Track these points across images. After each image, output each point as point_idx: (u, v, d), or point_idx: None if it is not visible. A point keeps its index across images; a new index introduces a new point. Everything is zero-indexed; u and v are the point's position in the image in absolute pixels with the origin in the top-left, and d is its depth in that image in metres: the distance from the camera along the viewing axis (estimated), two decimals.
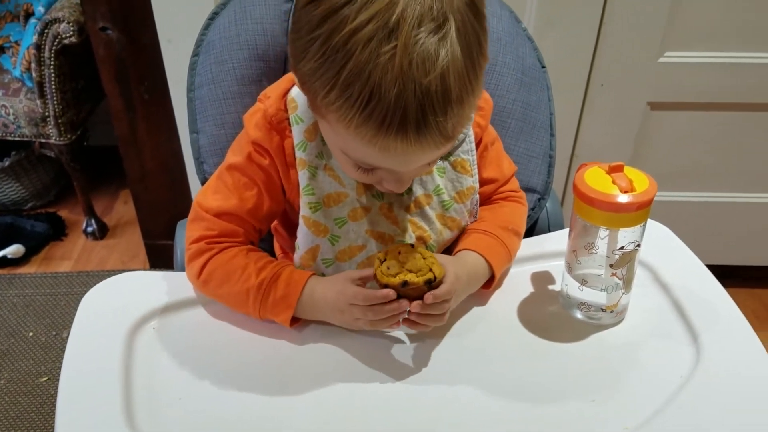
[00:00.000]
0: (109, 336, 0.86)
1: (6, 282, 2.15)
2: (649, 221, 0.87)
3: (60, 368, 0.82)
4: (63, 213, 2.47)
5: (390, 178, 0.80)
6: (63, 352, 0.84)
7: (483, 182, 0.99)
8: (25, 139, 2.20)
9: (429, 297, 0.79)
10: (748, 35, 1.63)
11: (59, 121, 2.13)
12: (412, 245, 0.82)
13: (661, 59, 1.66)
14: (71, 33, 2.00)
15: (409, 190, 0.92)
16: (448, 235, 0.96)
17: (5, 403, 1.76)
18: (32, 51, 2.02)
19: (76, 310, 0.90)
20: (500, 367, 0.85)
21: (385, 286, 0.79)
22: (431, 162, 0.82)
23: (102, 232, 2.39)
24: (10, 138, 2.19)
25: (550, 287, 0.97)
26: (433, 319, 0.83)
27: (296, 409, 0.79)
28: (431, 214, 0.94)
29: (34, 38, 2.01)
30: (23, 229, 2.34)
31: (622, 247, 0.84)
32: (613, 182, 0.82)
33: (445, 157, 0.94)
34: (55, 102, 2.09)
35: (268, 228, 0.97)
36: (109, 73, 1.84)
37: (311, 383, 0.82)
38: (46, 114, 2.11)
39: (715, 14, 1.60)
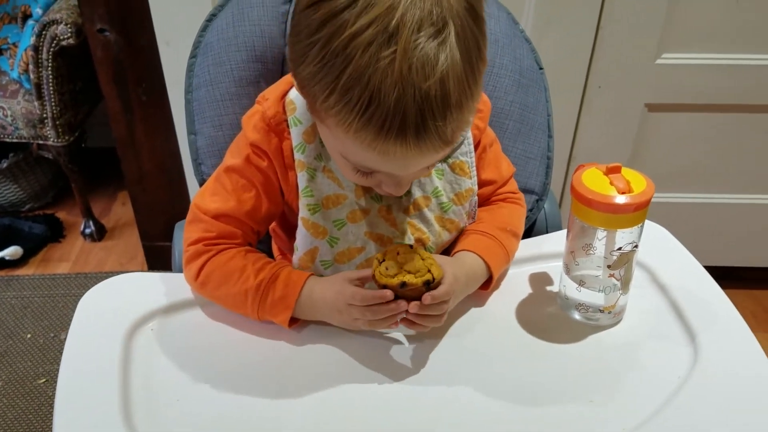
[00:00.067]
0: (108, 337, 0.86)
1: (4, 283, 2.14)
2: (647, 222, 0.87)
3: (58, 370, 0.82)
4: (61, 214, 2.47)
5: (389, 182, 0.80)
6: (61, 353, 0.84)
7: (481, 184, 0.99)
8: (23, 140, 2.19)
9: (427, 298, 0.79)
10: (746, 37, 1.64)
11: (57, 122, 2.13)
12: (411, 246, 0.82)
13: (659, 61, 1.66)
14: (69, 35, 2.00)
15: (408, 193, 0.92)
16: (446, 236, 0.96)
17: (3, 405, 1.76)
18: (30, 52, 2.02)
19: (74, 311, 0.90)
20: (499, 368, 0.85)
21: (384, 286, 0.80)
22: (430, 165, 0.83)
23: (100, 233, 2.39)
24: (7, 140, 2.19)
25: (548, 288, 0.97)
26: (431, 320, 0.83)
27: (295, 410, 0.79)
28: (430, 216, 0.94)
29: (32, 40, 2.01)
30: (21, 230, 2.33)
31: (619, 248, 0.84)
32: (611, 183, 0.82)
33: (443, 159, 0.94)
34: (53, 103, 2.09)
35: (266, 230, 0.97)
36: (107, 74, 1.84)
37: (310, 384, 0.82)
38: (44, 115, 2.11)
39: (713, 16, 1.61)
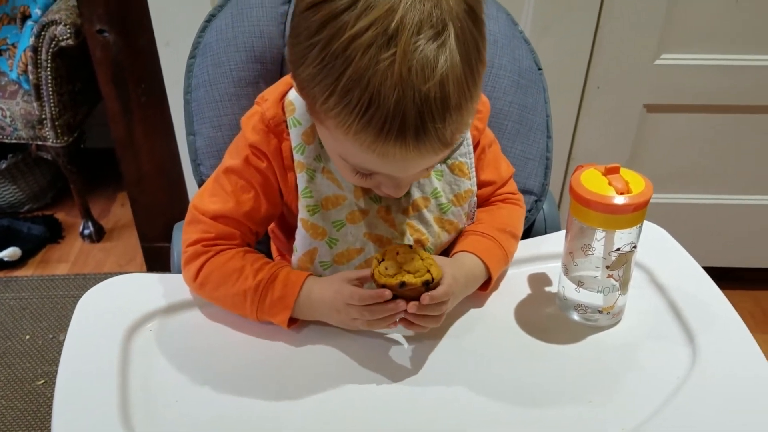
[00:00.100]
0: (106, 338, 0.86)
1: (2, 285, 2.14)
2: (645, 223, 0.87)
3: (57, 371, 0.82)
4: (60, 216, 2.47)
5: (388, 183, 0.80)
6: (60, 355, 0.84)
7: (481, 184, 0.99)
8: (22, 141, 2.19)
9: (426, 298, 0.79)
10: (745, 37, 1.64)
11: (56, 123, 2.13)
12: (411, 246, 0.82)
13: (658, 61, 1.66)
14: (68, 35, 2.00)
15: (407, 194, 0.92)
16: (445, 237, 0.96)
17: (2, 407, 1.76)
18: (29, 53, 2.02)
19: (73, 312, 0.90)
20: (498, 369, 0.85)
21: (383, 286, 0.79)
22: (429, 167, 0.83)
23: (99, 234, 2.38)
24: (6, 140, 2.19)
25: (547, 289, 0.97)
26: (430, 320, 0.83)
27: (294, 411, 0.79)
28: (429, 217, 0.94)
29: (31, 41, 2.01)
30: (20, 231, 2.33)
31: (618, 249, 0.84)
32: (610, 184, 0.82)
33: (443, 161, 0.94)
34: (52, 104, 2.09)
35: (264, 231, 0.97)
36: (106, 75, 1.84)
37: (309, 385, 0.82)
38: (43, 116, 2.11)
39: (712, 16, 1.61)
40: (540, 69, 1.15)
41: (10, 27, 2.27)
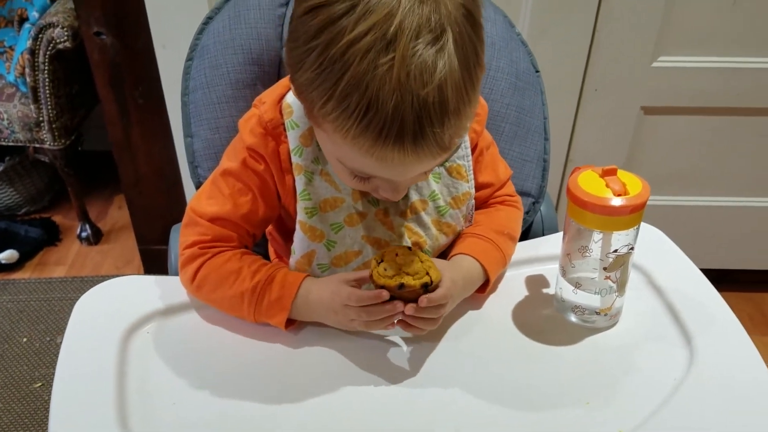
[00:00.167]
0: (103, 340, 0.86)
1: (0, 287, 2.14)
2: (643, 224, 0.87)
3: (54, 374, 0.82)
4: (57, 218, 2.47)
5: (386, 187, 0.80)
6: (57, 357, 0.84)
7: (479, 186, 0.99)
8: (19, 144, 2.19)
9: (424, 300, 0.79)
10: (742, 40, 1.64)
11: (53, 126, 2.13)
12: (410, 248, 0.82)
13: (655, 64, 1.67)
14: (65, 38, 2.00)
15: (405, 196, 0.92)
16: (443, 240, 0.96)
17: None
18: (26, 56, 2.02)
19: (70, 315, 0.90)
20: (495, 370, 0.85)
21: (382, 287, 0.79)
22: (428, 171, 0.83)
23: (96, 237, 2.38)
24: (4, 143, 2.19)
25: (545, 290, 0.97)
26: (427, 323, 0.83)
27: (292, 413, 0.79)
28: (427, 219, 0.94)
29: (29, 43, 2.01)
30: (17, 234, 2.33)
31: (615, 251, 0.84)
32: (607, 186, 0.83)
33: (441, 163, 0.94)
34: (50, 107, 2.09)
35: (262, 233, 0.97)
36: (103, 77, 1.84)
37: (307, 386, 0.82)
38: (41, 119, 2.11)
39: (709, 19, 1.61)
40: (537, 71, 1.15)
41: (7, 30, 2.27)
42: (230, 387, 0.82)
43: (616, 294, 0.88)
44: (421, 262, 0.80)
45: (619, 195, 0.81)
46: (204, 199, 0.92)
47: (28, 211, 2.47)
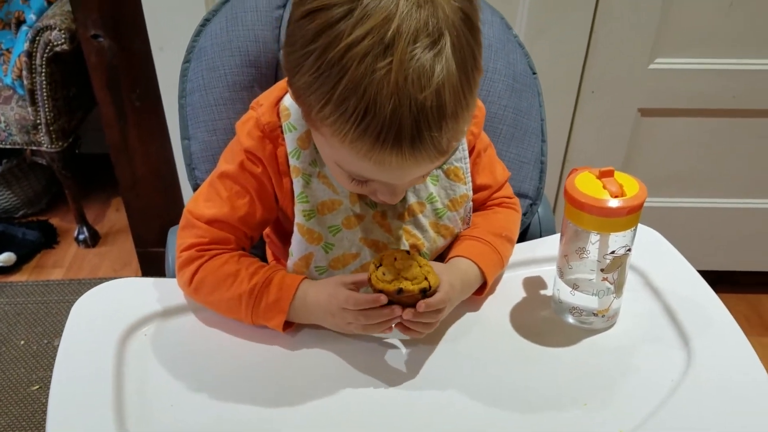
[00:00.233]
0: (101, 343, 0.86)
1: None
2: (640, 226, 0.87)
3: (52, 376, 0.82)
4: (54, 221, 2.47)
5: (384, 190, 0.80)
6: (55, 360, 0.84)
7: (476, 189, 0.99)
8: (17, 146, 2.19)
9: (422, 305, 0.79)
10: (739, 42, 1.64)
11: (51, 128, 2.12)
12: (408, 252, 0.82)
13: (652, 66, 1.67)
14: (63, 40, 2.00)
15: (403, 199, 0.92)
16: (441, 242, 0.96)
17: None
18: (24, 58, 2.02)
19: (67, 318, 0.90)
20: (493, 372, 0.85)
21: (380, 291, 0.79)
22: (425, 174, 0.83)
23: (94, 239, 2.38)
24: (1, 146, 2.18)
25: (542, 292, 0.97)
26: (425, 327, 0.83)
27: (290, 415, 0.79)
28: (424, 222, 0.94)
29: (26, 46, 2.00)
30: (14, 236, 2.33)
31: (613, 252, 0.84)
32: (604, 187, 0.83)
33: (438, 166, 0.94)
34: (47, 109, 2.09)
35: (259, 235, 0.97)
36: (100, 80, 1.83)
37: (305, 389, 0.82)
38: (38, 121, 2.11)
39: (706, 21, 1.61)
40: (534, 73, 1.15)
41: (4, 32, 2.27)
42: (228, 389, 0.82)
43: (614, 295, 0.89)
44: (420, 266, 0.80)
45: (616, 196, 0.81)
46: (201, 202, 0.92)
47: (26, 214, 2.47)
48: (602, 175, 0.84)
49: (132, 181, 2.01)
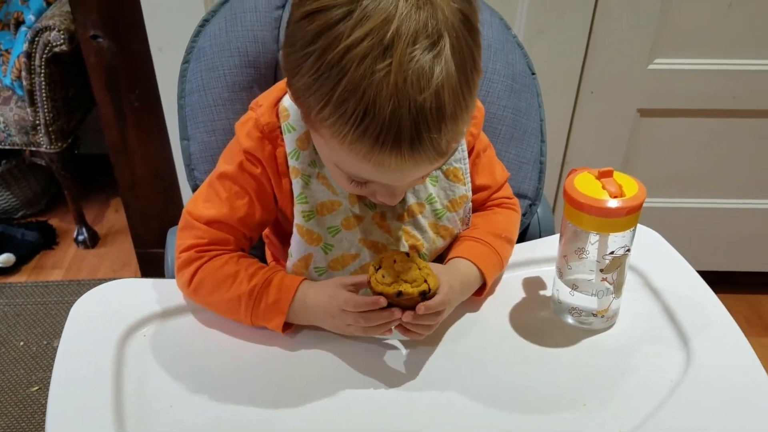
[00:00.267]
0: (100, 343, 0.86)
1: None
2: (639, 226, 0.87)
3: (51, 377, 0.82)
4: (54, 221, 2.47)
5: (383, 191, 0.80)
6: (54, 361, 0.84)
7: (476, 189, 0.99)
8: (16, 147, 2.19)
9: (421, 308, 0.79)
10: (738, 42, 1.65)
11: (50, 129, 2.12)
12: (407, 254, 0.82)
13: (651, 66, 1.67)
14: (62, 41, 2.00)
15: (402, 200, 0.92)
16: (440, 243, 0.96)
17: None
18: (23, 59, 2.02)
19: (67, 319, 0.90)
20: (493, 373, 0.85)
21: (380, 294, 0.79)
22: (424, 175, 0.83)
23: (93, 240, 2.38)
24: (0, 146, 2.18)
25: (542, 292, 0.97)
26: (425, 328, 0.83)
27: (289, 416, 0.79)
28: (424, 222, 0.94)
29: (25, 46, 2.00)
30: (14, 237, 2.32)
31: (612, 252, 0.84)
32: (603, 187, 0.83)
33: (438, 167, 0.94)
34: (46, 110, 2.09)
35: (258, 236, 0.97)
36: (99, 81, 1.83)
37: (304, 390, 0.82)
38: (37, 122, 2.11)
39: (705, 21, 1.61)
40: (533, 73, 1.15)
41: (3, 33, 2.27)
42: (227, 390, 0.82)
43: (613, 296, 0.89)
44: (419, 269, 0.80)
45: (615, 197, 0.81)
46: (200, 203, 0.92)
47: (25, 215, 2.47)
48: (601, 176, 0.84)
49: (131, 182, 2.01)
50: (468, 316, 0.93)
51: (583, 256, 0.87)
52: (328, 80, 0.69)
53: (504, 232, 0.98)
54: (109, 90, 1.84)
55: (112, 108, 1.87)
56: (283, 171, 0.89)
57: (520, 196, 1.11)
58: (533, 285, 0.98)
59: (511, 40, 1.14)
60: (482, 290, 0.94)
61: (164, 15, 1.60)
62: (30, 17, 2.11)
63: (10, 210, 2.43)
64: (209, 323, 0.90)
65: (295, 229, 0.90)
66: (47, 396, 0.80)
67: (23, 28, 2.12)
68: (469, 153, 0.97)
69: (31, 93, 2.06)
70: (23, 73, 2.03)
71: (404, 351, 0.87)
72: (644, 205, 0.82)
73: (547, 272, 0.98)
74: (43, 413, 0.79)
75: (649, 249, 1.01)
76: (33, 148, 2.19)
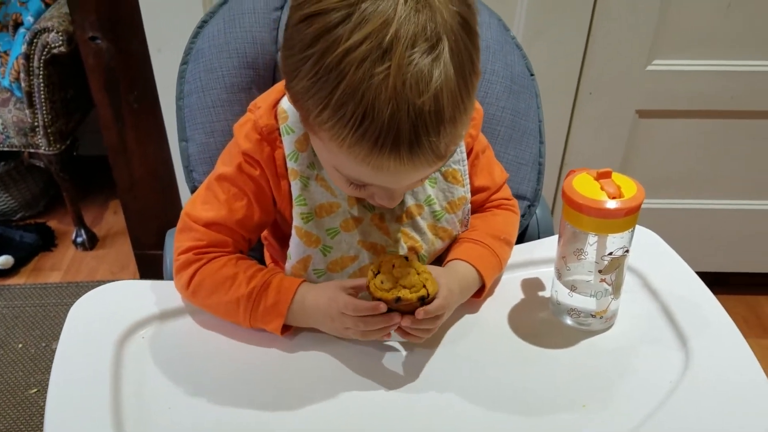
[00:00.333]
0: (98, 345, 0.86)
1: None
2: (638, 227, 0.87)
3: (49, 379, 0.81)
4: (52, 223, 2.46)
5: (382, 194, 0.80)
6: (52, 363, 0.84)
7: (475, 190, 0.99)
8: (14, 149, 2.19)
9: (420, 312, 0.79)
10: (736, 43, 1.65)
11: (48, 131, 2.12)
12: (406, 257, 0.82)
13: (650, 67, 1.67)
14: (60, 42, 1.99)
15: (401, 201, 0.92)
16: (439, 245, 0.96)
17: None
18: (21, 61, 2.02)
19: (65, 321, 0.89)
20: (492, 374, 0.85)
21: (378, 299, 0.79)
22: (423, 178, 0.83)
23: (92, 242, 2.38)
24: None
25: (540, 293, 0.97)
26: (424, 332, 0.83)
27: (288, 419, 0.79)
28: (423, 224, 0.94)
29: (23, 48, 2.00)
30: (12, 239, 2.32)
31: (610, 253, 0.84)
32: (602, 188, 0.83)
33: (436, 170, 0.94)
34: (44, 112, 2.09)
35: (257, 238, 0.97)
36: (98, 82, 1.83)
37: (303, 392, 0.82)
38: (35, 124, 2.11)
39: (703, 22, 1.61)
40: (532, 74, 1.15)
41: (2, 34, 2.27)
42: (226, 392, 0.82)
43: (612, 297, 0.89)
44: (418, 273, 0.80)
45: (613, 198, 0.81)
46: (199, 204, 0.91)
47: (23, 217, 2.47)
48: (600, 177, 0.84)
49: (130, 184, 2.01)
50: (467, 318, 0.93)
51: (582, 257, 0.87)
52: (327, 83, 0.68)
53: (503, 234, 0.98)
54: (108, 91, 1.84)
55: (111, 109, 1.87)
56: (282, 173, 0.89)
57: (518, 197, 1.11)
58: (532, 286, 0.98)
59: (510, 41, 1.14)
60: (481, 292, 0.94)
61: (163, 16, 1.60)
62: (28, 19, 2.11)
63: (8, 212, 2.43)
64: (208, 325, 0.90)
65: (293, 231, 0.90)
66: (46, 398, 0.80)
67: (22, 30, 2.12)
68: (468, 154, 0.97)
69: (29, 94, 2.06)
70: (22, 75, 2.03)
71: (403, 353, 0.87)
72: (643, 206, 0.82)
73: (546, 273, 0.98)
74: (42, 415, 0.79)
75: (647, 250, 1.01)
76: (31, 150, 2.18)
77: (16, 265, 2.25)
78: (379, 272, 0.80)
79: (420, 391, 0.83)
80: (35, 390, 1.82)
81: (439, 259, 0.96)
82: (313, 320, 0.87)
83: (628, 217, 0.82)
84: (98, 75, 1.82)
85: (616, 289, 0.88)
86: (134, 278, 2.20)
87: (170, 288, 0.93)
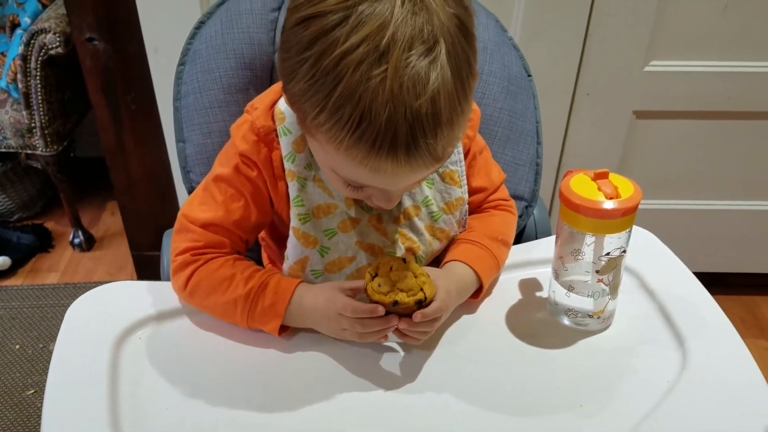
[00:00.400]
0: (96, 346, 0.85)
1: None
2: (635, 228, 0.87)
3: (46, 381, 0.81)
4: (50, 224, 2.46)
5: (380, 196, 0.80)
6: (50, 364, 0.83)
7: (472, 191, 0.99)
8: (11, 150, 2.19)
9: (418, 316, 0.79)
10: (733, 44, 1.65)
11: (45, 132, 2.12)
12: (404, 259, 0.82)
13: (647, 68, 1.67)
14: (57, 44, 1.99)
15: (398, 202, 0.92)
16: (437, 245, 0.96)
17: None
18: (18, 62, 2.01)
19: (62, 322, 0.89)
20: (490, 374, 0.85)
21: (376, 302, 0.79)
22: (421, 179, 0.83)
23: (89, 243, 2.37)
24: None
25: (538, 294, 0.97)
26: (421, 334, 0.83)
27: (286, 419, 0.79)
28: (420, 225, 0.94)
29: (20, 49, 2.00)
30: (9, 240, 2.32)
31: (608, 253, 0.85)
32: (599, 189, 0.83)
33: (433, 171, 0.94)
34: (42, 113, 2.09)
35: (254, 239, 0.97)
36: (95, 83, 1.83)
37: (300, 392, 0.82)
38: (33, 125, 2.10)
39: (701, 23, 1.62)
40: (529, 75, 1.15)
41: None
42: (223, 392, 0.82)
43: (609, 297, 0.89)
44: (415, 276, 0.80)
45: (611, 198, 0.81)
46: (196, 205, 0.91)
47: (21, 218, 2.46)
48: (597, 177, 0.84)
49: (127, 185, 2.01)
50: (465, 318, 0.93)
51: (579, 257, 0.87)
52: (324, 86, 0.68)
53: (500, 235, 0.98)
54: (105, 92, 1.84)
55: (108, 110, 1.87)
56: (279, 174, 0.89)
57: (516, 197, 1.12)
58: (529, 286, 0.98)
59: (507, 42, 1.14)
60: (479, 293, 0.94)
61: (160, 17, 1.60)
62: (25, 20, 2.11)
63: (5, 213, 2.43)
64: (205, 326, 0.90)
65: (291, 232, 0.90)
66: (43, 399, 0.79)
67: (19, 31, 2.11)
68: (465, 155, 0.97)
69: (26, 96, 2.06)
70: (19, 76, 2.03)
71: (401, 353, 0.87)
72: (640, 206, 0.83)
73: (544, 274, 0.98)
74: (39, 416, 0.79)
75: (645, 250, 1.01)
76: (29, 151, 2.18)
77: (13, 266, 2.25)
78: (376, 275, 0.80)
79: (418, 391, 0.83)
80: (32, 391, 1.81)
81: (437, 260, 0.96)
82: (311, 321, 0.87)
83: (626, 217, 0.82)
84: (95, 76, 1.82)
85: (614, 289, 0.88)
86: (131, 279, 2.19)
87: (167, 289, 0.92)
